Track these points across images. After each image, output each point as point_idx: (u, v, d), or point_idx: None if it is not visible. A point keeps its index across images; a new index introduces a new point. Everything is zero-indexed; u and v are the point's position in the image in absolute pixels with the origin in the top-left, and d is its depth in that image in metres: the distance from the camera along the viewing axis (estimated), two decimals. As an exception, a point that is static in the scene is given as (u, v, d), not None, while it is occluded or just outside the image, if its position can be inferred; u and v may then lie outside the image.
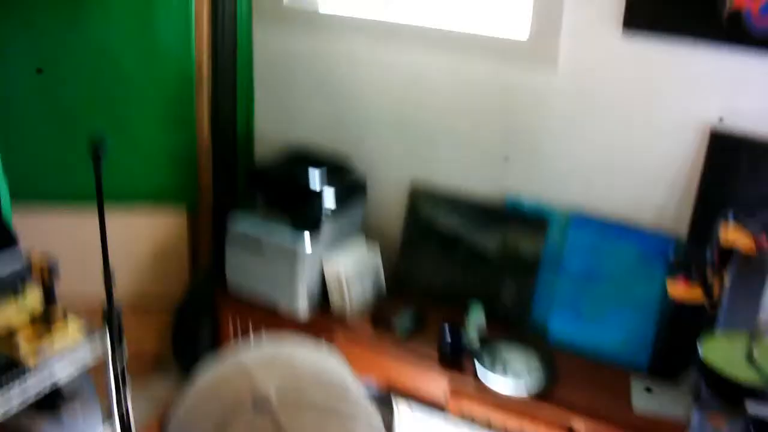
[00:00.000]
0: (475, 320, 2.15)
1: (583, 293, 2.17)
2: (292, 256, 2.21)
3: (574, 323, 2.18)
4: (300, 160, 2.42)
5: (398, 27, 2.39)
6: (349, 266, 2.27)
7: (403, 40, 2.39)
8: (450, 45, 2.32)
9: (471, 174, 2.38)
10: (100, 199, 1.75)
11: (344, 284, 2.25)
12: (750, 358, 1.23)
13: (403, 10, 2.44)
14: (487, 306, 2.20)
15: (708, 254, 1.75)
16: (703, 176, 2.03)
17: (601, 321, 2.15)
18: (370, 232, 2.52)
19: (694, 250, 1.96)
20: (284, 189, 2.36)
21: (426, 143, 2.44)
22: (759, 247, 1.68)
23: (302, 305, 2.26)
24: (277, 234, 2.24)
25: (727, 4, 1.89)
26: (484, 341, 2.14)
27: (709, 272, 1.72)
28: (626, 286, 2.12)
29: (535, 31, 2.18)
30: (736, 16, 1.88)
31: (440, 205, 2.39)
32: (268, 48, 2.64)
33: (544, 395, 1.97)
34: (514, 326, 2.25)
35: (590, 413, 1.90)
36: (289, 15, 2.56)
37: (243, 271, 2.32)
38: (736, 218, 1.71)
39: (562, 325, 2.19)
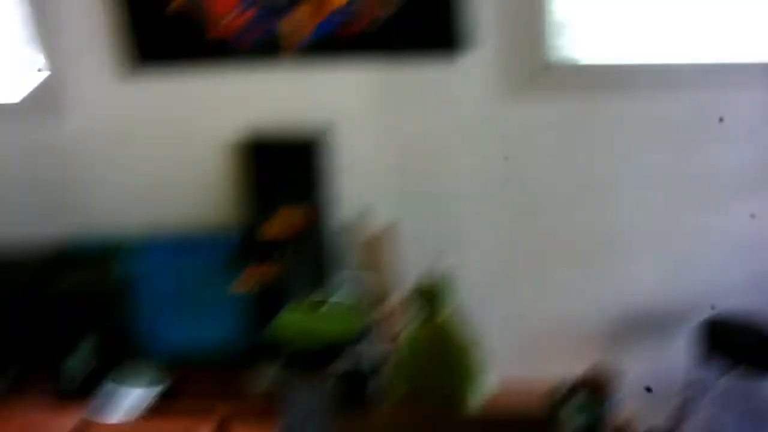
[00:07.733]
0: (78, 363, 2.09)
1: (172, 307, 2.23)
2: None
3: (173, 336, 2.23)
4: None
5: None
6: None
7: None
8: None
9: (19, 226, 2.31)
10: None
11: None
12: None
13: None
14: (78, 357, 2.13)
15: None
16: (246, 171, 2.22)
17: (199, 326, 2.22)
18: None
19: (252, 239, 2.13)
20: None
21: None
22: (310, 219, 1.92)
23: None
24: None
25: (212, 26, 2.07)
26: (92, 382, 2.08)
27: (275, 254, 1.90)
28: (211, 288, 2.21)
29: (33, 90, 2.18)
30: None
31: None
32: None
33: (165, 412, 2.00)
34: (119, 360, 2.20)
35: (213, 411, 1.99)
36: None
37: None
38: (287, 201, 1.92)
39: (162, 343, 2.23)
